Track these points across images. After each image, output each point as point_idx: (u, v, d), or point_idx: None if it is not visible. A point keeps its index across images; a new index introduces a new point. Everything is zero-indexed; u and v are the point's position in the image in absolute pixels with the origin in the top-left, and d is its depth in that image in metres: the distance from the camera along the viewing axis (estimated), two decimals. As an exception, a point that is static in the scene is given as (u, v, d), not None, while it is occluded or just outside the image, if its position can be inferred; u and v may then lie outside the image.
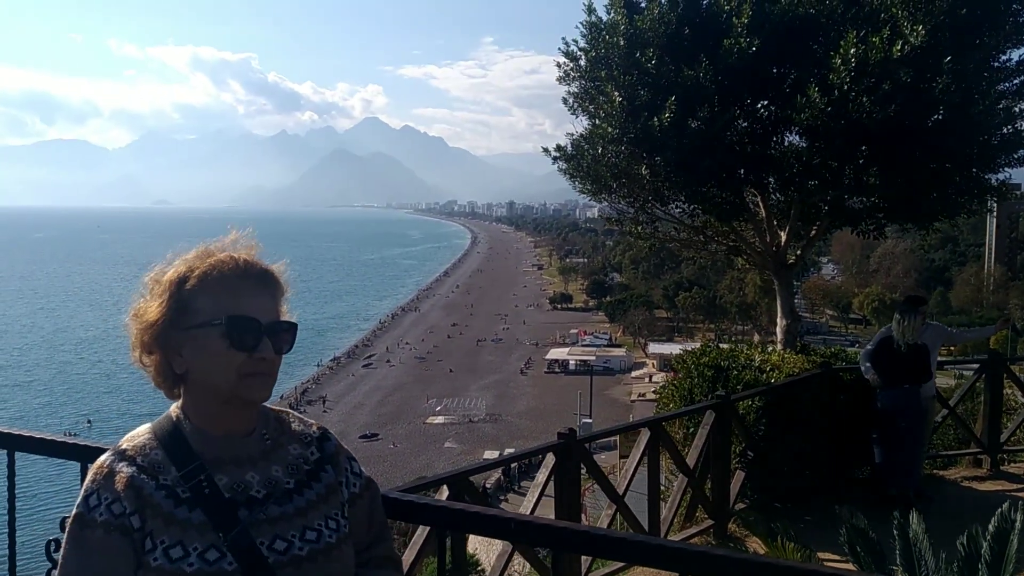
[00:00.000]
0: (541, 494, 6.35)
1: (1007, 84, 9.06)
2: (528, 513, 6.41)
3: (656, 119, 8.51)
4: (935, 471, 10.34)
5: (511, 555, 6.09)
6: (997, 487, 9.59)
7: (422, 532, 5.05)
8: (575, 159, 10.00)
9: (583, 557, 6.46)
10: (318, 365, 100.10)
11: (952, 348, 20.69)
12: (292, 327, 1.81)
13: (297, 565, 1.73)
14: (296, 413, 1.96)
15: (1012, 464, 10.69)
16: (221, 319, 1.72)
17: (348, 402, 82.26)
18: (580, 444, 6.45)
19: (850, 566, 3.74)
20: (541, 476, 6.42)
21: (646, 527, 7.09)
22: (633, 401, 75.41)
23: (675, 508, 7.50)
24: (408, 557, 4.94)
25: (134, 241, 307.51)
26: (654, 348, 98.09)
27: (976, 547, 3.66)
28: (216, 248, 1.83)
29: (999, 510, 3.71)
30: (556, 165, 10.40)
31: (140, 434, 1.80)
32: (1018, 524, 3.64)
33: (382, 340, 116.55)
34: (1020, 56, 9.13)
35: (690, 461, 7.61)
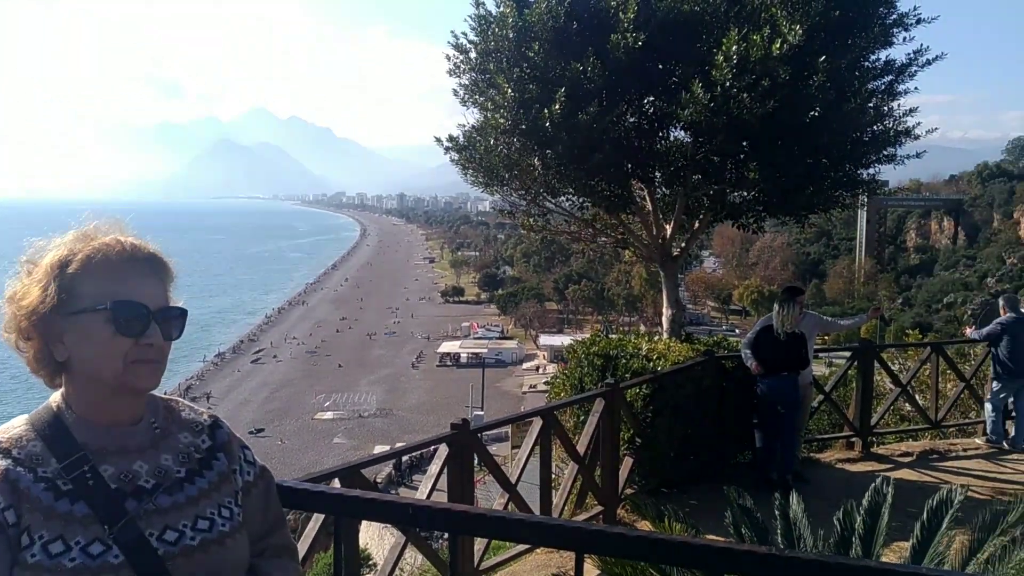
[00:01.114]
0: (434, 486, 6.35)
1: (876, 84, 9.51)
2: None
3: (546, 112, 8.59)
4: (812, 454, 10.81)
5: (404, 547, 6.07)
6: (868, 467, 10.09)
7: (314, 525, 4.98)
8: (467, 150, 10.00)
9: (477, 547, 6.50)
10: (202, 361, 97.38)
11: (826, 337, 21.60)
12: (182, 313, 1.76)
13: (189, 556, 1.68)
14: (186, 401, 1.91)
15: (881, 446, 11.27)
16: (106, 304, 1.65)
17: (234, 398, 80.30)
18: (473, 435, 6.47)
19: (734, 545, 3.89)
20: (434, 467, 6.42)
21: (538, 514, 7.19)
22: (524, 393, 76.10)
23: (566, 495, 7.61)
24: (300, 550, 4.87)
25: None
26: (545, 340, 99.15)
27: (851, 522, 3.85)
28: (98, 231, 1.76)
29: (872, 485, 3.91)
30: (448, 156, 10.37)
31: (15, 425, 1.72)
32: (889, 499, 3.84)
33: (268, 335, 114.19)
34: (887, 57, 9.60)
35: (581, 449, 7.73)
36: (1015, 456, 10.59)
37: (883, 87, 9.59)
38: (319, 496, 2.02)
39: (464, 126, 10.19)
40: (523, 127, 9.00)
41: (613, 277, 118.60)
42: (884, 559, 3.72)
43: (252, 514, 1.85)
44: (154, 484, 1.72)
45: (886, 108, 9.65)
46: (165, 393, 1.92)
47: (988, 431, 11.07)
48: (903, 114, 9.64)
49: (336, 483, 5.38)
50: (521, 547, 7.00)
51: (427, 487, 6.36)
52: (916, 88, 9.64)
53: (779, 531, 3.86)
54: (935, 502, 3.73)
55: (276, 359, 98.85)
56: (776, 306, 9.25)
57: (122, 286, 1.68)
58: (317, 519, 5.07)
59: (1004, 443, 10.91)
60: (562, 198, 10.78)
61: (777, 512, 3.94)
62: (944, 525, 3.61)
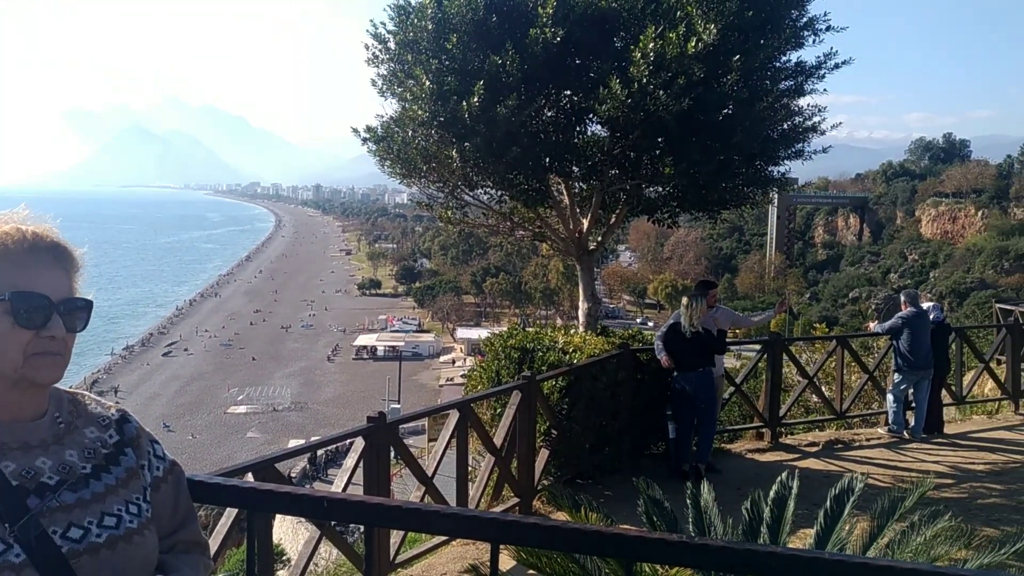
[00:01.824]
0: (350, 479, 6.30)
1: (786, 83, 9.77)
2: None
3: (465, 104, 8.57)
4: (723, 444, 11.06)
5: (318, 541, 6.01)
6: (777, 457, 10.39)
7: (226, 520, 4.89)
8: (385, 142, 9.91)
9: (393, 540, 6.46)
10: (110, 354, 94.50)
11: (738, 331, 22.17)
12: (87, 304, 1.70)
13: (94, 553, 1.63)
14: (93, 395, 1.85)
15: (789, 436, 11.60)
16: (4, 295, 1.59)
17: (143, 392, 78.22)
18: (390, 428, 6.44)
19: (647, 534, 3.96)
20: (350, 461, 6.37)
21: (454, 506, 7.19)
22: (442, 386, 76.00)
23: (482, 487, 7.63)
24: (212, 546, 4.78)
25: None
26: (462, 333, 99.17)
27: (758, 512, 3.95)
28: None
29: (779, 478, 4.03)
30: (366, 147, 10.27)
31: None
32: (794, 490, 3.96)
33: (180, 327, 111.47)
34: (798, 59, 9.88)
35: (497, 441, 7.76)
36: (915, 445, 11.04)
37: (792, 87, 9.86)
38: (231, 490, 1.97)
39: (382, 117, 10.11)
40: (441, 119, 8.97)
41: (530, 271, 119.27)
42: (790, 546, 3.84)
43: (162, 509, 1.81)
44: (58, 480, 1.66)
45: (795, 107, 9.94)
46: (70, 387, 1.86)
47: (890, 421, 11.50)
48: (812, 113, 9.94)
49: (250, 477, 5.29)
50: (437, 539, 7.00)
51: (343, 481, 6.31)
52: (825, 89, 9.94)
53: (690, 520, 3.94)
54: (837, 490, 3.86)
55: (187, 352, 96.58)
56: (684, 301, 9.41)
57: (22, 276, 1.62)
58: (230, 514, 4.98)
59: (905, 432, 11.35)
60: (480, 191, 10.79)
61: (688, 501, 4.02)
62: (846, 512, 3.75)
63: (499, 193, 10.70)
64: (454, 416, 7.17)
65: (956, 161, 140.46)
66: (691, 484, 4.15)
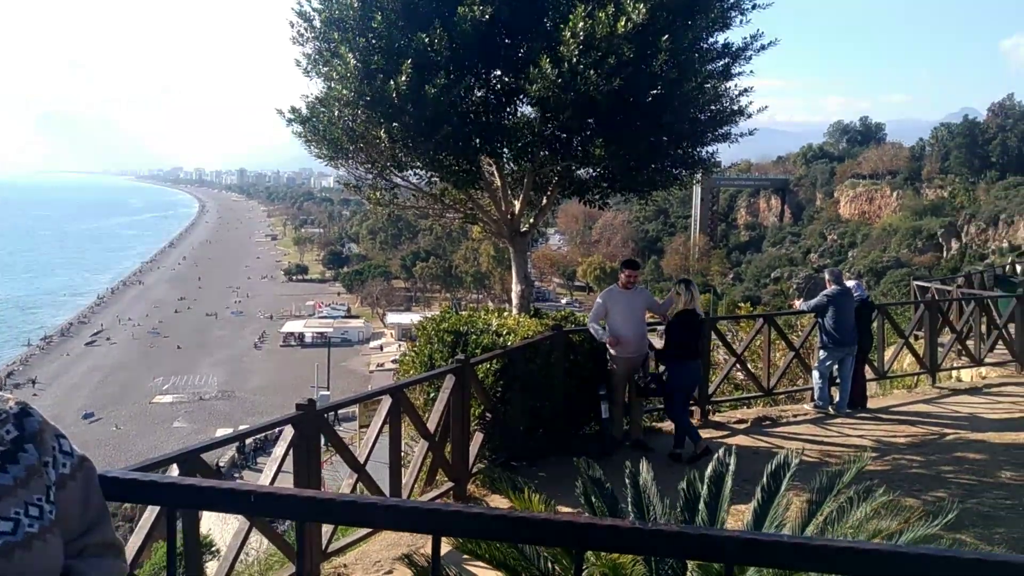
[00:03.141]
0: (279, 468, 6.14)
1: (714, 65, 9.81)
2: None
3: (392, 83, 8.40)
4: (654, 423, 11.16)
5: (248, 532, 5.84)
6: (707, 435, 10.48)
7: (151, 514, 4.70)
8: (310, 122, 9.67)
9: (325, 530, 6.33)
10: (26, 345, 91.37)
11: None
12: None
13: None
14: None
15: (718, 414, 11.76)
16: None
17: (64, 383, 75.95)
18: (320, 415, 6.29)
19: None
20: (279, 450, 6.20)
21: (387, 494, 7.08)
22: (372, 371, 75.44)
23: (416, 473, 7.54)
24: (134, 543, 4.58)
25: None
26: (392, 318, 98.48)
27: (695, 491, 3.95)
28: None
29: (715, 455, 4.02)
30: (291, 128, 10.01)
31: None
32: (731, 467, 3.96)
33: (101, 316, 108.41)
34: (725, 40, 9.93)
35: (431, 426, 7.67)
36: (839, 420, 11.29)
37: (720, 69, 9.91)
38: (149, 487, 1.82)
39: (307, 97, 9.86)
40: (368, 98, 8.77)
41: (461, 254, 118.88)
42: (727, 525, 3.84)
43: (68, 510, 1.64)
44: None
45: (722, 89, 9.99)
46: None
47: (815, 397, 11.73)
48: (738, 94, 10.01)
49: (174, 470, 5.10)
50: (371, 527, 6.89)
51: (271, 470, 6.14)
52: (752, 71, 10.01)
53: (629, 499, 3.92)
54: (773, 467, 3.87)
55: (110, 341, 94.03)
56: (681, 288, 9.70)
57: None
58: (153, 509, 4.79)
59: (830, 408, 11.60)
60: (409, 172, 10.62)
61: (628, 481, 3.99)
62: (783, 488, 3.76)
63: (429, 174, 10.54)
64: (386, 402, 7.06)
65: (872, 144, 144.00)
66: (629, 462, 4.12)
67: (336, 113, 9.40)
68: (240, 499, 1.67)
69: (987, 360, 14.49)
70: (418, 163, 9.88)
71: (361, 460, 6.80)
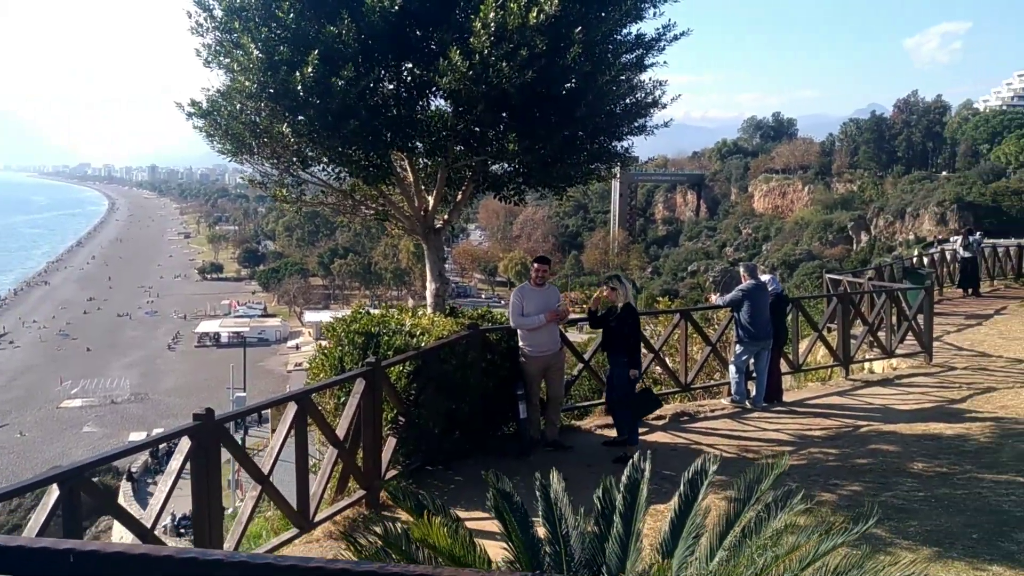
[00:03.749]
0: (175, 483, 5.77)
1: (628, 57, 9.69)
2: (160, 504, 5.80)
3: (297, 75, 8.04)
4: (572, 421, 11.04)
5: None
6: (625, 432, 10.40)
7: None
8: (211, 116, 9.22)
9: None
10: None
11: (586, 305, 22.47)
12: None
13: None
14: None
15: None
16: None
17: (-40, 390, 72.69)
18: (218, 425, 5.94)
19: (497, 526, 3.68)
20: (175, 463, 5.83)
21: (295, 505, 6.76)
22: (290, 371, 74.12)
23: (325, 483, 7.21)
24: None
25: None
26: (310, 316, 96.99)
27: (611, 499, 3.76)
28: None
29: (631, 461, 3.84)
30: (191, 123, 9.54)
31: None
32: (647, 473, 3.79)
33: (3, 319, 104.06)
34: (638, 31, 9.81)
35: (340, 432, 7.36)
36: (756, 414, 11.33)
37: (634, 60, 9.79)
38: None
39: (207, 89, 9.41)
40: (271, 90, 8.39)
41: (380, 251, 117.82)
42: (645, 534, 3.67)
43: None
44: None
45: (638, 81, 9.88)
46: None
47: (732, 392, 11.76)
48: (653, 87, 9.91)
49: (54, 490, 4.72)
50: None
51: (167, 485, 5.78)
52: (665, 62, 9.93)
53: (540, 512, 3.71)
54: (691, 473, 3.71)
55: (13, 345, 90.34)
56: (612, 284, 9.57)
57: None
58: None
59: (747, 402, 11.63)
60: (317, 168, 10.25)
61: (538, 492, 3.79)
62: (700, 497, 3.60)
63: (338, 170, 10.18)
64: (291, 409, 6.72)
65: (784, 139, 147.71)
66: (539, 474, 3.92)
67: (238, 106, 9.00)
68: (55, 559, 1.37)
69: (898, 351, 14.78)
70: (325, 158, 9.52)
71: (266, 471, 6.46)
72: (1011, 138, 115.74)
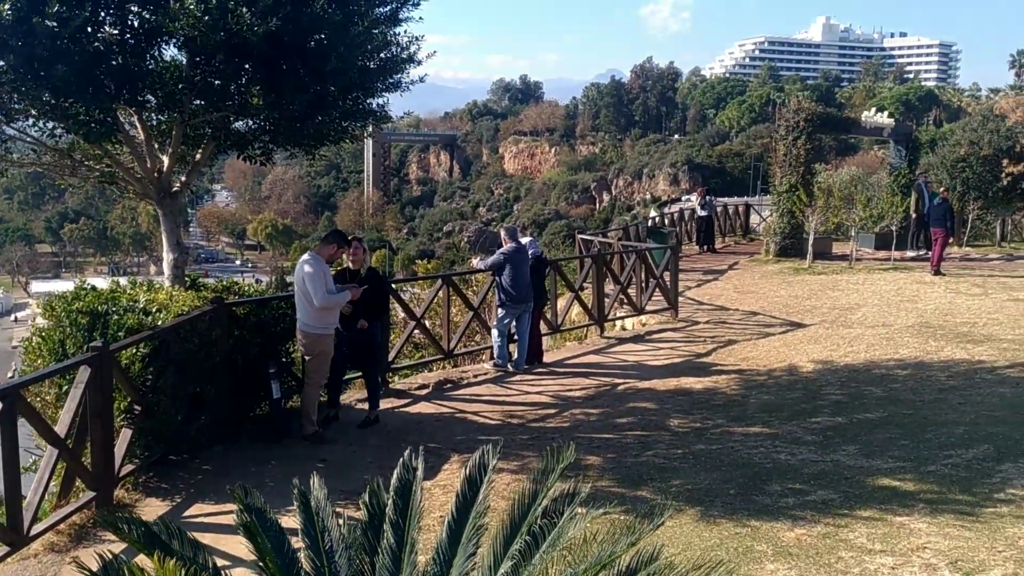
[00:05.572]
0: None
1: (382, 10, 9.10)
2: None
3: (-8, 11, 6.80)
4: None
5: None
6: (389, 404, 10.01)
7: None
8: None
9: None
10: None
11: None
12: None
13: None
14: None
15: (399, 380, 11.30)
16: None
17: None
18: None
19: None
20: None
21: (3, 519, 5.78)
22: (16, 347, 67.28)
23: (43, 488, 6.23)
24: None
25: None
26: (38, 287, 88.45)
27: (379, 504, 3.32)
28: None
29: (401, 460, 3.41)
30: None
31: None
32: (420, 472, 3.38)
33: None
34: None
35: (61, 429, 6.38)
36: (519, 377, 11.29)
37: (388, 14, 9.22)
38: None
39: None
40: (-41, 30, 7.07)
41: (117, 214, 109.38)
42: (419, 546, 3.25)
43: None
44: None
45: (392, 36, 9.33)
46: None
47: (495, 356, 11.66)
48: (408, 42, 9.40)
49: None
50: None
51: None
52: (421, 18, 9.45)
53: (300, 527, 3.20)
54: (468, 471, 3.33)
55: None
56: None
57: None
58: None
59: (509, 366, 11.57)
60: (30, 122, 8.89)
61: (297, 502, 3.27)
62: (480, 496, 3.23)
63: (52, 125, 8.85)
64: (-6, 407, 5.68)
65: (532, 102, 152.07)
66: (299, 481, 3.39)
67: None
68: None
69: (647, 308, 15.35)
70: (33, 111, 8.22)
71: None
72: (733, 104, 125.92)
